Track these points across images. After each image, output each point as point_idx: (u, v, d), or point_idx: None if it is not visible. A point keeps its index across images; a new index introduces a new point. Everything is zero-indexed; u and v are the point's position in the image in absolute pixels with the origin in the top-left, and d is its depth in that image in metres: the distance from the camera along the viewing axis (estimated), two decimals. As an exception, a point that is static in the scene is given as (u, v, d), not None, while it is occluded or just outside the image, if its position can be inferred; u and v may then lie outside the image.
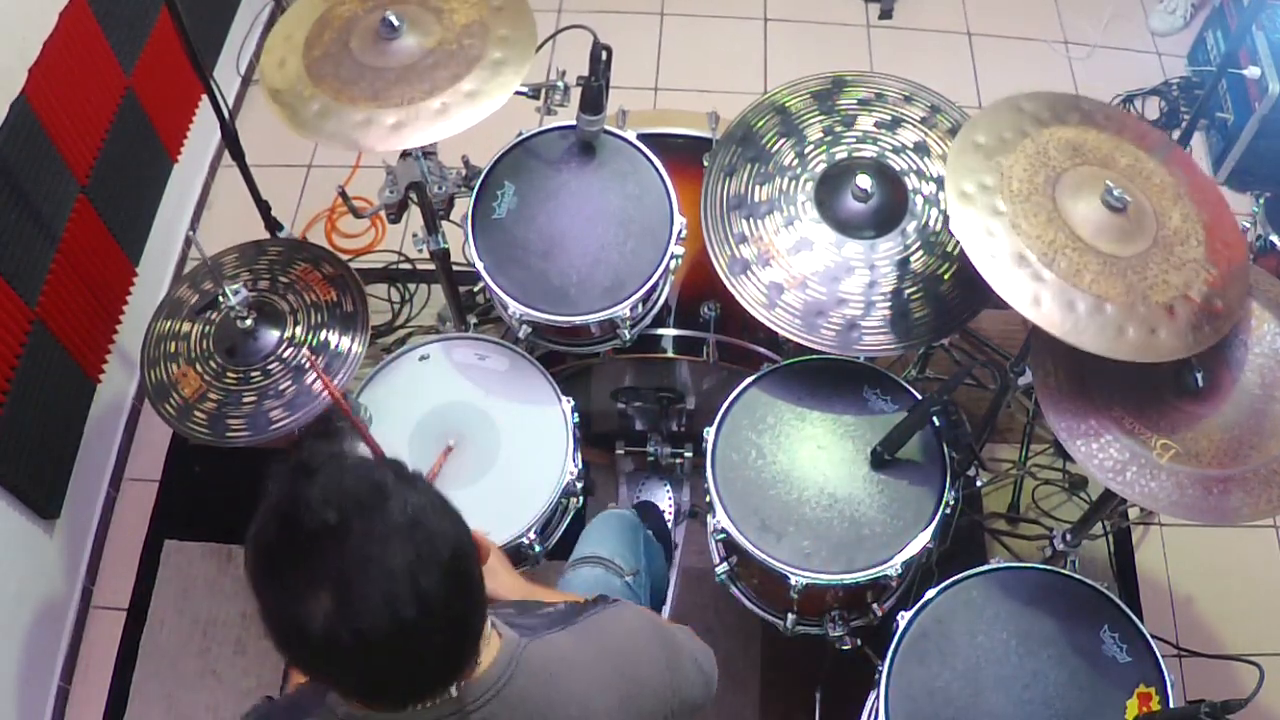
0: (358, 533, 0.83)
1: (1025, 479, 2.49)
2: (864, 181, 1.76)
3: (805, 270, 1.75)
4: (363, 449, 1.73)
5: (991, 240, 1.49)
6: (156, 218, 2.69)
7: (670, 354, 1.99)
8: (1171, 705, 1.52)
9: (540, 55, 1.72)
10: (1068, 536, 2.01)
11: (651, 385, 2.17)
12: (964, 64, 3.35)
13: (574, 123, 1.86)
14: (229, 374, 1.76)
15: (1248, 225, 1.66)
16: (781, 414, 1.81)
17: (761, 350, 1.97)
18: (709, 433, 1.78)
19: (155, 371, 1.79)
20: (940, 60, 3.34)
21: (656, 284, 1.83)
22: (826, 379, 1.84)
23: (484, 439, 1.84)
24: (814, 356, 1.84)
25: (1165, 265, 1.50)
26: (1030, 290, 1.46)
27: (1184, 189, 1.59)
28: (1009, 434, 2.57)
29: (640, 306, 1.84)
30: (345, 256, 2.56)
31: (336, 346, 1.78)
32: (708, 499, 1.75)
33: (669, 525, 2.42)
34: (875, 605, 1.91)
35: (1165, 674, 1.54)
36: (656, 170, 1.89)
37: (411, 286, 2.86)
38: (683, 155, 2.02)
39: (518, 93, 1.71)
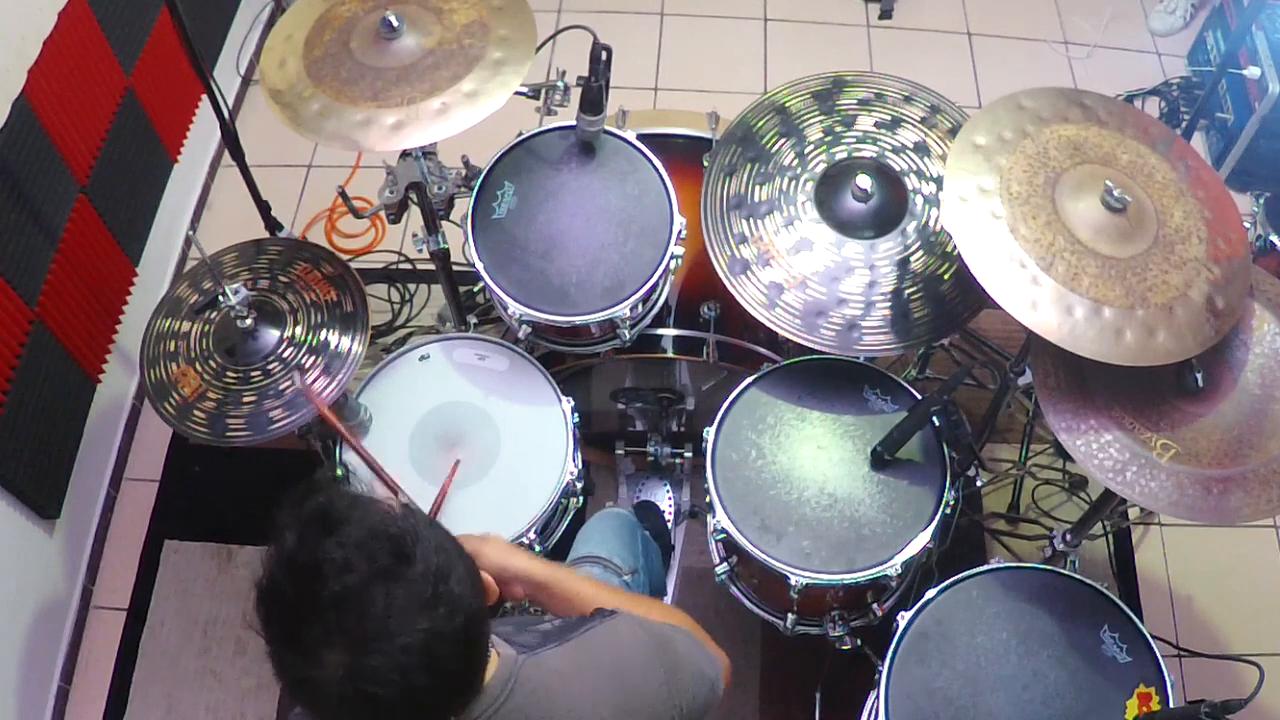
0: (379, 605, 0.82)
1: (1025, 479, 2.49)
2: (864, 181, 1.76)
3: (805, 270, 1.75)
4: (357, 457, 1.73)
5: (988, 245, 1.49)
6: (156, 218, 2.69)
7: (670, 354, 1.99)
8: (1171, 705, 1.52)
9: (540, 55, 1.72)
10: (1068, 536, 2.01)
11: (651, 385, 2.17)
12: (964, 64, 3.35)
13: (574, 123, 1.86)
14: (229, 374, 1.76)
15: (1248, 225, 1.66)
16: (781, 414, 1.81)
17: (761, 350, 1.97)
18: (709, 433, 1.78)
19: (155, 371, 1.79)
20: (940, 60, 3.34)
21: (656, 284, 1.83)
22: (826, 379, 1.83)
23: (484, 439, 1.84)
24: (814, 356, 1.84)
25: (1165, 265, 1.50)
26: (1027, 295, 1.46)
27: (1186, 185, 1.59)
28: (1009, 434, 2.57)
29: (640, 307, 1.84)
30: (345, 256, 2.56)
31: (336, 346, 1.78)
32: (708, 499, 1.75)
33: (669, 525, 2.42)
34: (875, 605, 1.91)
35: (1165, 674, 1.54)
36: (656, 170, 1.89)
37: (411, 286, 2.86)
38: (683, 155, 2.02)
39: (518, 93, 1.71)
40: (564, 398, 1.87)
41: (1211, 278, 1.51)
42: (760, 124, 1.89)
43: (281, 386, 1.75)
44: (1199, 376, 1.54)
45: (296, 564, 0.83)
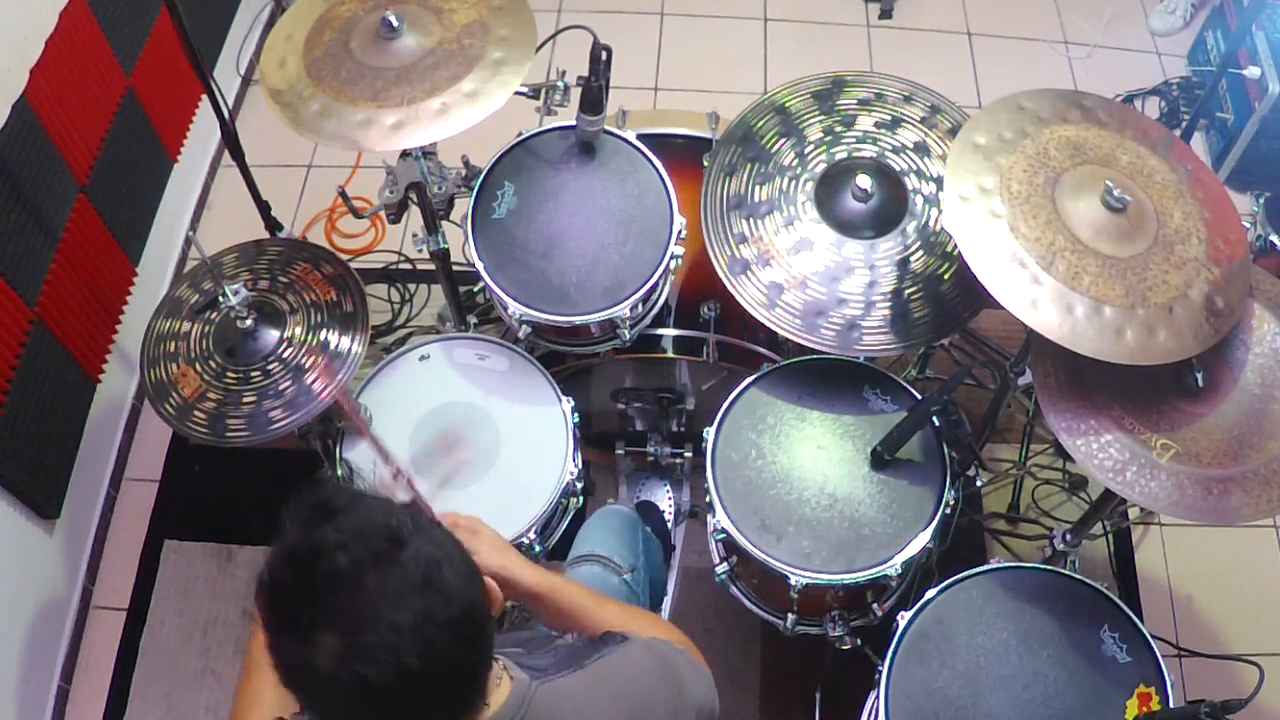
0: (371, 585, 0.83)
1: (1025, 479, 2.49)
2: (864, 181, 1.76)
3: (805, 270, 1.75)
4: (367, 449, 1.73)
5: (989, 244, 1.49)
6: (156, 218, 2.69)
7: (670, 354, 1.99)
8: (1171, 705, 1.52)
9: (540, 55, 1.72)
10: (1068, 536, 2.01)
11: (651, 385, 2.17)
12: (964, 64, 3.35)
13: (574, 123, 1.86)
14: (229, 374, 1.76)
15: (1248, 225, 1.66)
16: (781, 414, 1.81)
17: (761, 350, 1.97)
18: (709, 433, 1.78)
19: (155, 371, 1.79)
20: (940, 60, 3.34)
21: (656, 284, 1.83)
22: (826, 379, 1.84)
23: (484, 439, 1.84)
24: (814, 356, 1.84)
25: (1165, 265, 1.50)
26: (1028, 294, 1.46)
27: (1185, 186, 1.59)
28: (1009, 434, 2.57)
29: (640, 306, 1.84)
30: (345, 256, 2.56)
31: (336, 346, 1.78)
32: (708, 499, 1.75)
33: (669, 525, 2.42)
34: (875, 605, 1.91)
35: (1165, 674, 1.54)
36: (656, 170, 1.89)
37: (411, 286, 2.86)
38: (683, 155, 2.02)
39: (518, 93, 1.71)
40: (564, 398, 1.87)
41: (1211, 278, 1.51)
42: (760, 124, 1.89)
43: (281, 386, 1.75)
44: (1199, 376, 1.54)
45: (295, 552, 0.85)
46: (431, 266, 2.18)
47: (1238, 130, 2.85)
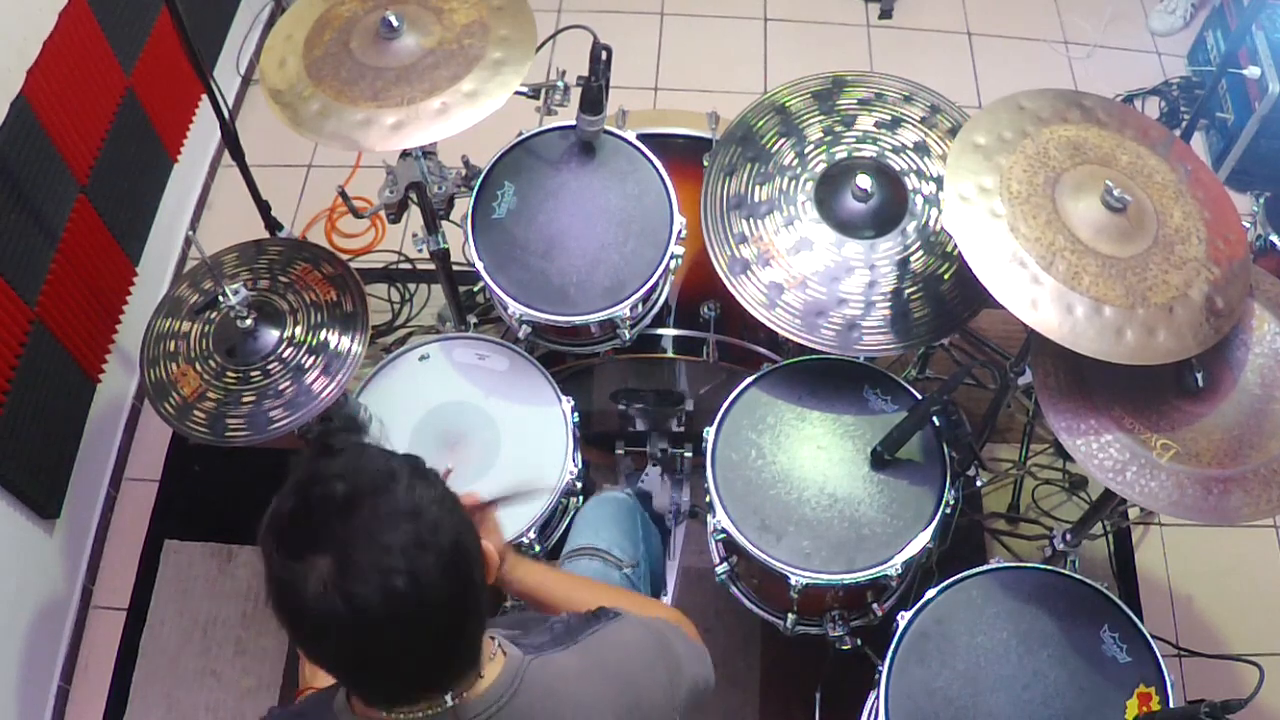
0: (364, 508, 0.87)
1: (1025, 479, 2.49)
2: (864, 181, 1.76)
3: (805, 270, 1.75)
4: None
5: (989, 243, 1.49)
6: (156, 218, 2.69)
7: (670, 354, 1.99)
8: (1171, 705, 1.52)
9: (540, 55, 1.72)
10: (1068, 536, 2.01)
11: (651, 385, 2.17)
12: (964, 64, 3.35)
13: (574, 123, 1.86)
14: (229, 374, 1.76)
15: (1248, 225, 1.66)
16: (781, 414, 1.81)
17: (761, 350, 1.97)
18: (709, 433, 1.78)
19: (155, 371, 1.79)
20: (940, 60, 3.34)
21: (656, 284, 1.83)
22: (826, 379, 1.83)
23: (484, 439, 1.84)
24: (814, 356, 1.84)
25: (1165, 265, 1.50)
26: (1028, 294, 1.46)
27: (1185, 186, 1.59)
28: (1009, 434, 2.57)
29: (640, 306, 1.84)
30: (345, 256, 2.56)
31: (336, 346, 1.78)
32: (708, 499, 1.75)
33: (666, 520, 2.41)
34: (875, 605, 1.91)
35: (1165, 674, 1.54)
36: (656, 170, 1.89)
37: (411, 286, 2.86)
38: (683, 155, 2.02)
39: (518, 93, 1.71)
40: (564, 397, 1.87)
41: (1211, 278, 1.51)
42: (760, 124, 1.89)
43: (281, 386, 1.75)
44: (1199, 376, 1.54)
45: (298, 482, 0.90)
46: (431, 266, 2.18)
47: (1238, 130, 2.85)
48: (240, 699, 2.28)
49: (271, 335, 1.78)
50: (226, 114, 2.03)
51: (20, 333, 2.08)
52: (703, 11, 3.46)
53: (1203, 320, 1.48)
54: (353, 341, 1.80)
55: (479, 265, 1.82)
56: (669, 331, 1.99)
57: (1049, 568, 1.67)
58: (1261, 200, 2.26)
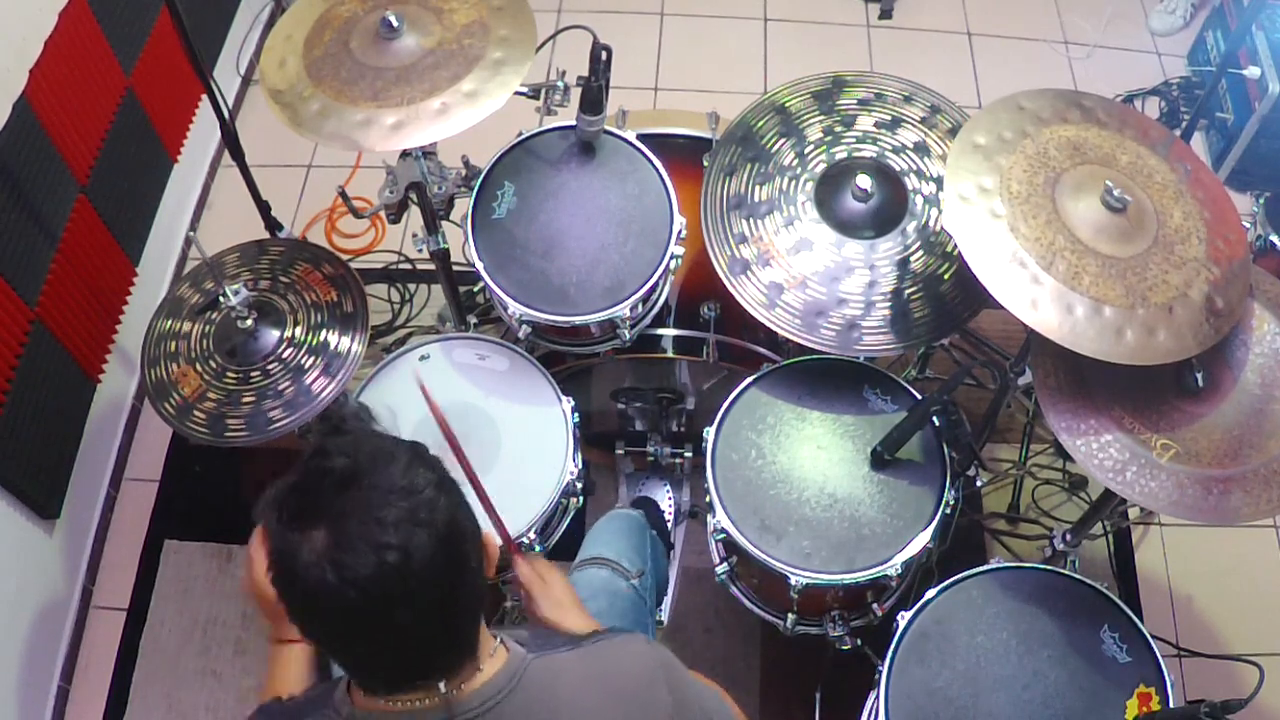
0: (362, 484, 0.89)
1: (1025, 479, 2.49)
2: (864, 181, 1.76)
3: (805, 270, 1.75)
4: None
5: (989, 243, 1.49)
6: (156, 218, 2.69)
7: (670, 354, 1.99)
8: (1171, 705, 1.52)
9: (540, 55, 1.72)
10: (1068, 536, 2.01)
11: (651, 385, 2.17)
12: (964, 64, 3.35)
13: (574, 123, 1.86)
14: (229, 374, 1.76)
15: (1248, 225, 1.66)
16: (781, 414, 1.81)
17: (761, 350, 1.97)
18: (709, 433, 1.78)
19: (155, 371, 1.79)
20: (940, 60, 3.34)
21: (656, 284, 1.83)
22: (826, 379, 1.83)
23: (484, 439, 1.84)
24: (814, 356, 1.84)
25: (1165, 265, 1.50)
26: (1028, 294, 1.46)
27: (1185, 186, 1.59)
28: (1009, 434, 2.57)
29: (640, 306, 1.84)
30: (345, 256, 2.56)
31: (336, 347, 1.78)
32: (708, 499, 1.75)
33: (669, 525, 2.42)
34: (875, 605, 1.91)
35: (1165, 674, 1.54)
36: (656, 170, 1.89)
37: (411, 286, 2.86)
38: (683, 155, 2.02)
39: (518, 93, 1.71)
40: (564, 398, 1.87)
41: (1211, 278, 1.51)
42: (760, 124, 1.89)
43: (281, 386, 1.75)
44: (1199, 376, 1.54)
45: (303, 459, 0.93)
46: (431, 266, 2.18)
47: (1238, 130, 2.85)
48: (240, 699, 2.28)
49: (272, 335, 1.78)
50: (226, 114, 2.03)
51: (20, 333, 2.08)
52: (703, 11, 3.46)
53: (1203, 320, 1.48)
54: (353, 342, 1.80)
55: (479, 265, 1.82)
56: (669, 331, 1.99)
57: (1049, 568, 1.67)
58: (1261, 200, 2.26)
